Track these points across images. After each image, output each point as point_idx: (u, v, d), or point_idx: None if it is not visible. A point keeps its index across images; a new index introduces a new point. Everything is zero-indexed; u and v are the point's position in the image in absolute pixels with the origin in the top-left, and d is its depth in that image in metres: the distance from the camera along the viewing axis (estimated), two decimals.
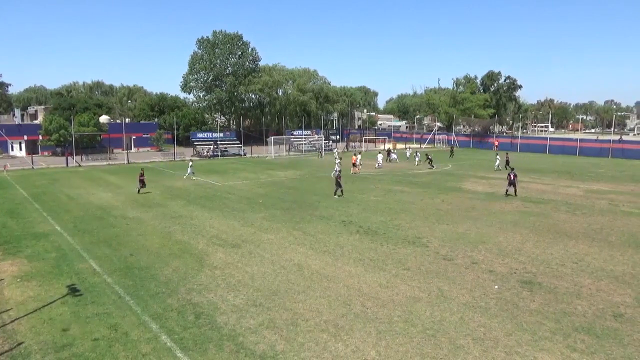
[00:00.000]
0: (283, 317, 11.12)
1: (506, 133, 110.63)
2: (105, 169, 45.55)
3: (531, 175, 39.10)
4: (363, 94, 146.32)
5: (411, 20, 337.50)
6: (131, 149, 66.38)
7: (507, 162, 44.51)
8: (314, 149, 67.40)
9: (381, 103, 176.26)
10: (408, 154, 49.50)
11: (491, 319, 11.13)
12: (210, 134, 66.23)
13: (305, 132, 74.70)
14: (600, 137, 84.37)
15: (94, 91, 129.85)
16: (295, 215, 22.93)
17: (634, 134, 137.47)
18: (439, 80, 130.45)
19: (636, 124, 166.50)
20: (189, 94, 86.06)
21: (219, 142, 63.11)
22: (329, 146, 70.74)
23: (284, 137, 68.84)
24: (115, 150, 60.92)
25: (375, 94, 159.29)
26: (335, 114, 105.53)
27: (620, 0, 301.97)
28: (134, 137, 69.77)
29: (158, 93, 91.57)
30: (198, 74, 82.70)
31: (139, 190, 29.26)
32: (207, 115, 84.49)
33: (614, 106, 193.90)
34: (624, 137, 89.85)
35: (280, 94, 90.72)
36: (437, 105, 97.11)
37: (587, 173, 42.57)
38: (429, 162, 45.97)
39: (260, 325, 10.71)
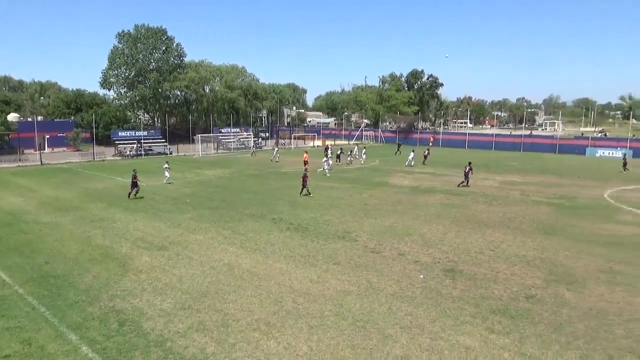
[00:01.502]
0: (213, 319, 10.90)
1: (429, 129, 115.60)
2: (15, 171, 42.00)
3: (454, 169, 41.19)
4: (292, 91, 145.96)
5: (338, 21, 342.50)
6: (45, 149, 61.73)
7: (425, 157, 46.46)
8: (243, 146, 66.54)
9: (310, 100, 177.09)
10: (356, 150, 50.65)
11: (417, 307, 11.62)
12: (133, 133, 63.23)
13: (234, 130, 73.44)
14: (514, 132, 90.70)
15: (1, 87, 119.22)
16: (224, 214, 22.53)
17: (542, 129, 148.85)
18: (365, 78, 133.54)
19: (544, 120, 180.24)
20: (109, 90, 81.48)
21: (142, 141, 60.42)
22: (258, 144, 70.15)
23: (212, 134, 67.19)
24: (26, 151, 56.28)
25: (304, 91, 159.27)
26: (265, 111, 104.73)
27: None
28: (48, 136, 64.78)
29: (74, 89, 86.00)
30: (119, 70, 78.28)
31: (129, 195, 26.71)
32: (129, 113, 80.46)
33: (525, 103, 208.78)
34: (534, 132, 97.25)
35: (207, 90, 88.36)
36: (364, 102, 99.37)
37: (502, 166, 45.67)
38: (337, 157, 46.30)
39: (190, 328, 10.43)
